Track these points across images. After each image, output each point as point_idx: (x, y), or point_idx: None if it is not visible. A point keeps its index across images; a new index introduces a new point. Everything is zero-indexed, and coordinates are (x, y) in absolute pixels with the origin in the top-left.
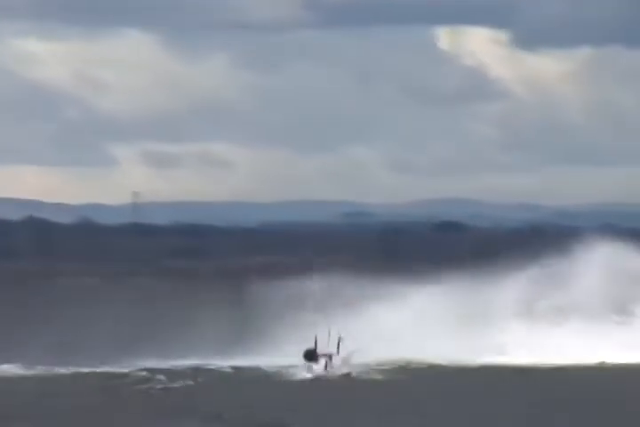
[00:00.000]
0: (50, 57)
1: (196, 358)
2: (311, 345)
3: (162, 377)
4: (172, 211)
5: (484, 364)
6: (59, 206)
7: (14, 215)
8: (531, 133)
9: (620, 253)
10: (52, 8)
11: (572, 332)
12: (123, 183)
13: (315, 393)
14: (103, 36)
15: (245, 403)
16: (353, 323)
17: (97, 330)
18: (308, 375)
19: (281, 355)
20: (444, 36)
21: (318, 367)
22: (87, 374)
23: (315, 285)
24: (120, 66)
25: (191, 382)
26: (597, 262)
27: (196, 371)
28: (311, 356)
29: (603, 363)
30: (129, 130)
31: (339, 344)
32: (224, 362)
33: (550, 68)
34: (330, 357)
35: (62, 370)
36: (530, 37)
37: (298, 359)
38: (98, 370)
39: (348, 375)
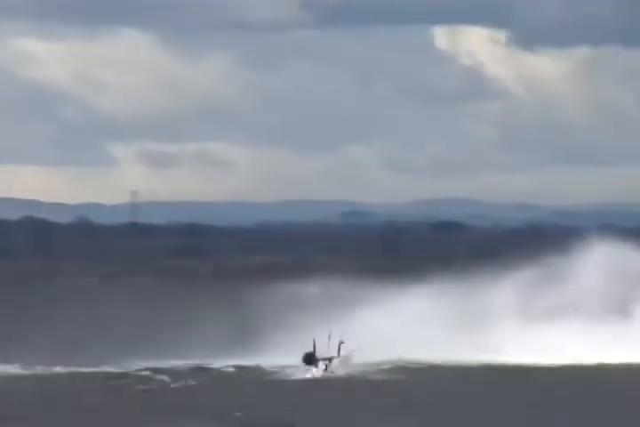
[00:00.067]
0: (49, 57)
1: (197, 358)
2: (310, 349)
3: (163, 377)
4: (170, 211)
5: (484, 364)
6: (57, 206)
7: (13, 215)
8: (529, 133)
9: (620, 253)
10: (52, 8)
11: (572, 332)
12: (121, 183)
13: (315, 393)
14: (103, 35)
15: (246, 403)
16: (352, 324)
17: (97, 330)
18: (307, 375)
19: (280, 355)
20: (443, 36)
21: (317, 371)
22: (87, 374)
23: (314, 287)
24: (120, 66)
25: (193, 382)
26: (597, 262)
27: (197, 371)
28: (310, 359)
29: (602, 363)
30: (128, 130)
31: (339, 348)
32: (225, 362)
33: (549, 68)
34: (330, 360)
35: (62, 370)
36: (528, 37)
37: (297, 360)
38: (98, 370)
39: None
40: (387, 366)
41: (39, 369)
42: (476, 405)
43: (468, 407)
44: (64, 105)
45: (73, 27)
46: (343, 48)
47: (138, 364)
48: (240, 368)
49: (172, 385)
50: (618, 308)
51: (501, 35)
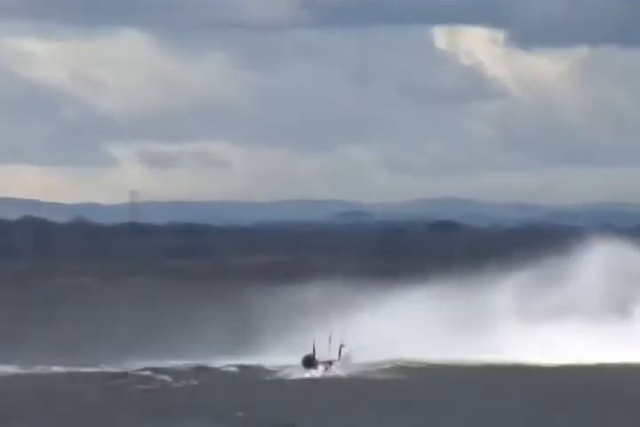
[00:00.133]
0: (48, 57)
1: (198, 357)
2: (309, 352)
3: (165, 377)
4: (169, 210)
5: (484, 364)
6: (56, 206)
7: (12, 215)
8: (528, 133)
9: (620, 253)
10: (51, 8)
11: (572, 332)
12: (120, 183)
13: (315, 393)
14: (102, 35)
15: (247, 403)
16: (351, 325)
17: (97, 330)
18: (306, 375)
19: (281, 355)
20: (442, 36)
21: (317, 372)
22: (87, 374)
23: (314, 289)
24: (118, 65)
25: (195, 382)
26: (597, 262)
27: (198, 371)
28: (309, 363)
29: (602, 363)
30: (127, 129)
31: (340, 350)
32: (226, 362)
33: (547, 68)
34: (330, 363)
35: (62, 370)
36: (527, 37)
37: (297, 360)
38: (98, 370)
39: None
40: (387, 366)
41: (39, 369)
42: (477, 405)
43: (469, 407)
44: (63, 105)
45: (72, 27)
46: (342, 48)
47: (138, 364)
48: (242, 368)
49: (174, 385)
50: (618, 308)
51: (500, 35)
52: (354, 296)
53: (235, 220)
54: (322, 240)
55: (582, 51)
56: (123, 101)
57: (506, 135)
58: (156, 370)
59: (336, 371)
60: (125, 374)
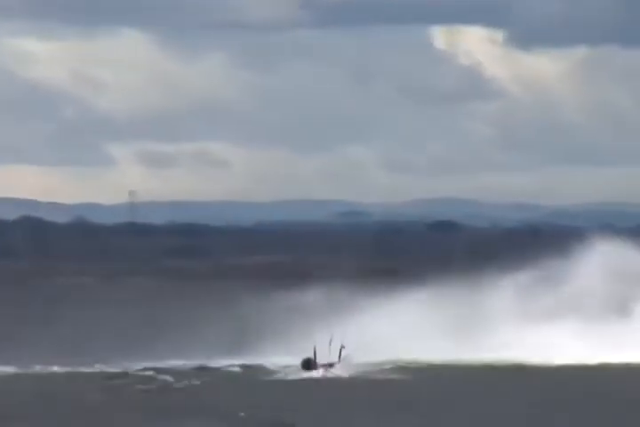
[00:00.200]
0: (48, 57)
1: (198, 357)
2: (310, 354)
3: (167, 377)
4: (168, 210)
5: (484, 364)
6: (55, 206)
7: (11, 215)
8: (527, 133)
9: (620, 253)
10: (51, 8)
11: (572, 332)
12: (120, 183)
13: (315, 393)
14: (101, 35)
15: (247, 403)
16: (351, 326)
17: (97, 330)
18: (305, 375)
19: (281, 355)
20: (441, 36)
21: (317, 373)
22: (87, 373)
23: (314, 291)
24: (118, 65)
25: (197, 382)
26: (597, 262)
27: (200, 371)
28: (309, 365)
29: (602, 363)
30: (126, 129)
31: (340, 353)
32: (228, 361)
33: (546, 68)
34: (330, 365)
35: (61, 370)
36: (526, 37)
37: (297, 360)
38: (98, 370)
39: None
40: (387, 366)
41: (38, 369)
42: (477, 405)
43: (469, 407)
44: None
45: (72, 27)
46: (342, 48)
47: (138, 364)
48: (243, 367)
49: (176, 385)
50: (618, 308)
51: (499, 34)
52: (353, 297)
53: (234, 220)
54: (322, 240)
55: (582, 51)
56: (123, 101)
57: (506, 135)
58: (158, 370)
59: (337, 373)
60: (126, 374)
